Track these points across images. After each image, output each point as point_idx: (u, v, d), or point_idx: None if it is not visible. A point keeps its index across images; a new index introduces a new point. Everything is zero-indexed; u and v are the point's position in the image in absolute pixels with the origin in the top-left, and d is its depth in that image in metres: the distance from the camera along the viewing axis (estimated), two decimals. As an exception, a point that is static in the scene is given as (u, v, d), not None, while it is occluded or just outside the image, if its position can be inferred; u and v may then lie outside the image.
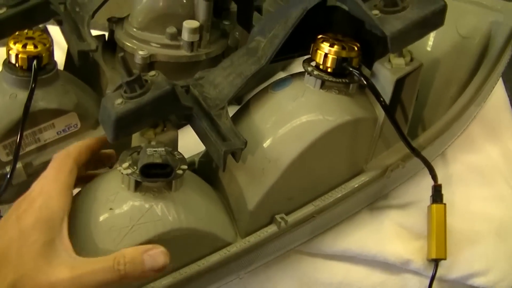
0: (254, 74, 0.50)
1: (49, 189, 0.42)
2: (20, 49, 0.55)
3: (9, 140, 0.56)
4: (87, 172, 0.50)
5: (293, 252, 0.57)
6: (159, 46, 0.64)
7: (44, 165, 0.46)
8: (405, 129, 0.55)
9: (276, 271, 0.57)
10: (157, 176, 0.45)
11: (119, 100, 0.45)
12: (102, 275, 0.38)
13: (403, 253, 0.56)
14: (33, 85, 0.55)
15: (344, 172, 0.54)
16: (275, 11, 0.55)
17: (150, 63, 0.64)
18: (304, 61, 0.53)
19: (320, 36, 0.52)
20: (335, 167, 0.53)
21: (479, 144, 0.66)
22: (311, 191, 0.53)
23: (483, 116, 0.67)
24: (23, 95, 0.55)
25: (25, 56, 0.55)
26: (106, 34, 0.71)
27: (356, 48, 0.51)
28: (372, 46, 0.52)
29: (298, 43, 0.52)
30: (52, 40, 0.59)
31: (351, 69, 0.50)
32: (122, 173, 0.46)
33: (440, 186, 0.55)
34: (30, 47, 0.55)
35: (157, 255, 0.40)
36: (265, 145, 0.50)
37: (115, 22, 0.68)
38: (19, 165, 0.56)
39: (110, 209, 0.46)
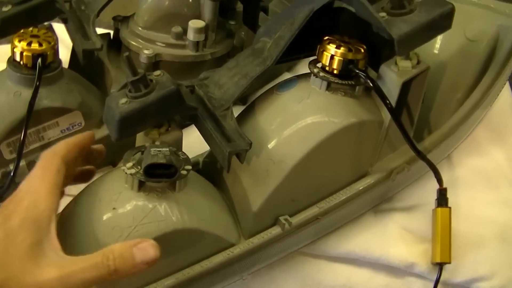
0: (259, 75, 0.50)
1: (36, 188, 0.41)
2: (25, 47, 0.55)
3: (13, 138, 0.56)
4: (77, 169, 0.49)
5: (296, 253, 0.56)
6: (164, 45, 0.64)
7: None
8: (411, 132, 0.55)
9: (280, 272, 0.56)
10: (161, 176, 0.45)
11: (123, 100, 0.45)
12: (91, 272, 0.37)
13: (407, 256, 0.56)
14: (37, 83, 0.55)
15: (349, 174, 0.54)
16: (281, 12, 0.54)
17: (155, 63, 0.64)
18: (310, 63, 0.53)
19: (326, 37, 0.51)
20: (339, 169, 0.53)
21: (484, 148, 0.66)
22: (316, 193, 0.52)
23: (489, 119, 0.67)
24: (27, 93, 0.55)
25: (29, 54, 0.55)
26: (111, 32, 0.70)
27: (362, 50, 0.50)
28: (378, 48, 0.52)
29: (304, 44, 0.52)
30: (57, 38, 0.59)
31: (357, 71, 0.49)
32: (126, 172, 0.45)
33: (445, 189, 0.55)
34: (35, 45, 0.55)
35: (147, 248, 0.39)
36: (270, 146, 0.50)
37: (120, 21, 0.68)
38: (22, 163, 0.56)
39: (114, 208, 0.46)
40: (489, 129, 0.67)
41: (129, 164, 0.46)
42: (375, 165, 0.55)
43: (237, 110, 0.55)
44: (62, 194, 0.48)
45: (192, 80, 0.52)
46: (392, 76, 0.51)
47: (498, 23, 0.59)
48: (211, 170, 0.55)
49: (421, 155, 0.53)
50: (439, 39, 0.60)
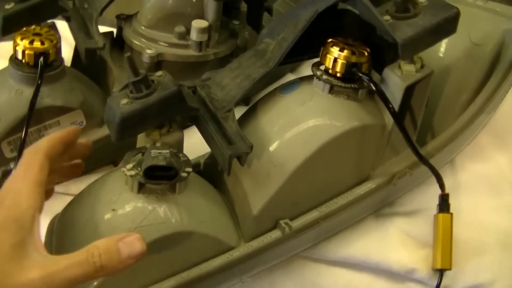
0: (262, 77, 0.50)
1: (18, 187, 0.39)
2: (27, 45, 0.55)
3: (14, 136, 0.56)
4: (64, 165, 0.48)
5: (296, 257, 0.56)
6: (167, 45, 0.64)
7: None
8: (413, 137, 0.55)
9: (279, 275, 0.56)
10: (161, 178, 0.45)
11: (124, 100, 0.45)
12: (76, 270, 0.36)
13: (408, 262, 0.55)
14: (39, 82, 0.55)
15: (351, 178, 0.53)
16: (285, 13, 0.54)
17: (158, 62, 0.63)
18: (313, 65, 0.52)
19: (330, 40, 0.51)
20: (341, 173, 0.52)
21: (488, 153, 0.65)
22: (317, 196, 0.52)
23: (493, 124, 0.66)
24: (29, 92, 0.55)
25: (31, 52, 0.55)
26: (115, 31, 0.70)
27: (366, 53, 0.50)
28: (383, 50, 0.51)
29: (308, 46, 0.52)
30: (59, 37, 0.59)
31: (360, 74, 0.49)
32: (125, 174, 0.45)
33: (447, 195, 0.54)
34: (37, 44, 0.55)
35: (133, 242, 0.38)
36: (271, 149, 0.49)
37: (123, 19, 0.68)
38: (23, 161, 0.56)
39: (113, 210, 0.46)
40: (492, 134, 0.66)
41: (129, 166, 0.45)
42: (377, 169, 0.54)
43: (240, 111, 0.55)
44: (52, 191, 0.47)
45: (194, 80, 0.51)
46: (396, 80, 0.50)
47: (503, 27, 0.58)
48: (212, 171, 0.55)
49: (423, 160, 0.52)
50: (444, 43, 0.60)
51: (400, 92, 0.50)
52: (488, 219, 0.60)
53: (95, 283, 0.44)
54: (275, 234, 0.51)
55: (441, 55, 0.60)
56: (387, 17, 0.48)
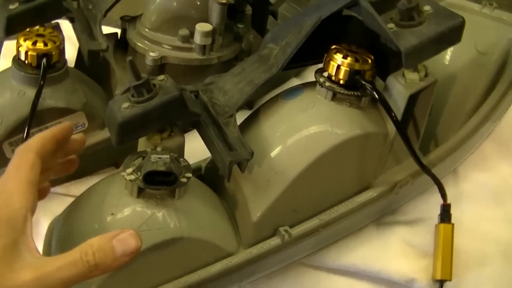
0: (265, 82, 0.50)
1: (9, 187, 0.38)
2: (30, 46, 0.55)
3: (16, 137, 0.56)
4: (57, 162, 0.46)
5: (296, 264, 0.56)
6: (170, 48, 0.64)
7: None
8: (416, 145, 0.54)
9: (278, 282, 0.56)
10: (160, 183, 0.45)
11: (125, 104, 0.45)
12: (69, 270, 0.35)
13: (408, 272, 0.55)
14: (41, 83, 0.54)
15: (352, 186, 0.53)
16: (289, 19, 0.54)
17: (161, 65, 0.63)
18: (316, 71, 0.52)
19: (333, 46, 0.51)
20: (342, 181, 0.52)
21: (492, 163, 0.65)
22: (317, 204, 0.52)
23: (498, 134, 0.65)
24: (31, 93, 0.55)
25: (34, 53, 0.55)
26: (119, 31, 0.70)
27: (370, 61, 0.49)
28: (387, 57, 0.51)
29: (312, 52, 0.52)
30: (63, 38, 0.59)
31: (363, 82, 0.49)
32: (125, 178, 0.45)
33: (449, 205, 0.54)
34: (40, 45, 0.55)
35: (127, 239, 0.37)
36: (272, 155, 0.49)
37: (128, 21, 0.67)
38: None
39: (112, 214, 0.45)
40: (497, 144, 0.66)
41: (129, 170, 0.45)
42: (379, 177, 0.54)
43: (243, 115, 0.55)
44: (48, 189, 0.46)
45: (197, 85, 0.51)
46: (399, 88, 0.50)
47: (509, 36, 0.58)
48: (213, 176, 0.55)
49: (425, 169, 0.52)
50: (449, 51, 0.59)
51: (403, 101, 0.49)
52: (490, 230, 0.59)
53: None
54: (275, 241, 0.50)
55: (446, 63, 0.59)
56: (391, 25, 0.47)
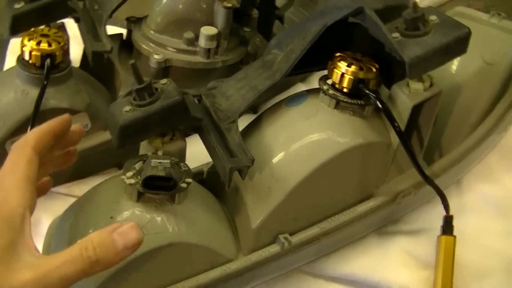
0: (267, 89, 0.49)
1: (6, 185, 0.37)
2: (34, 46, 0.55)
3: (18, 136, 0.56)
4: (55, 154, 0.45)
5: (295, 271, 0.55)
6: (175, 50, 0.63)
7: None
8: (420, 156, 0.54)
9: (277, 289, 0.55)
10: (160, 188, 0.44)
11: (127, 107, 0.44)
12: (70, 267, 0.34)
13: (408, 283, 0.54)
14: (44, 83, 0.54)
15: (353, 195, 0.53)
16: (294, 24, 0.53)
17: (165, 68, 0.63)
18: (320, 79, 0.52)
19: (338, 54, 0.50)
20: (344, 190, 0.52)
21: (496, 175, 0.64)
22: (318, 212, 0.51)
23: (503, 145, 0.65)
24: (35, 92, 0.55)
25: (38, 53, 0.55)
26: (124, 32, 0.70)
27: (374, 70, 0.49)
28: (392, 65, 0.50)
29: (318, 58, 0.51)
30: (68, 38, 0.59)
31: (367, 91, 0.48)
32: (125, 182, 0.45)
33: (451, 217, 0.53)
34: (44, 45, 0.55)
35: (128, 231, 0.36)
36: (274, 163, 0.49)
37: (133, 22, 0.67)
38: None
39: (111, 217, 0.45)
40: (502, 155, 0.65)
41: (129, 174, 0.45)
42: (381, 187, 0.53)
43: (247, 118, 0.54)
44: (48, 185, 0.45)
45: (200, 89, 0.51)
46: (403, 98, 0.49)
47: (517, 47, 0.57)
48: (215, 180, 0.54)
49: (428, 180, 0.51)
50: (456, 60, 0.58)
51: (407, 111, 0.49)
52: (492, 243, 0.58)
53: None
54: (274, 248, 0.50)
55: (453, 72, 0.58)
56: (396, 35, 0.47)
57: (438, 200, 0.54)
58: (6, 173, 0.38)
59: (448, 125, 0.59)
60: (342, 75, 0.49)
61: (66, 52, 0.57)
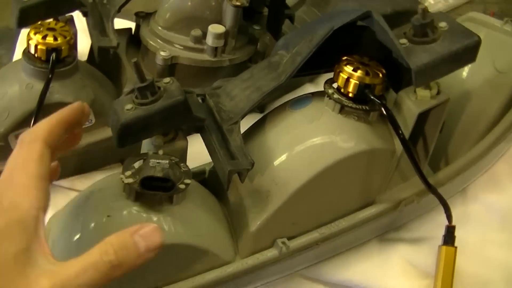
0: (272, 90, 0.49)
1: (16, 184, 0.34)
2: (40, 40, 0.55)
3: (22, 130, 0.56)
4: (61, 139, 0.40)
5: (293, 275, 0.55)
6: (182, 48, 0.63)
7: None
8: (424, 163, 0.53)
9: (275, 293, 0.55)
10: (158, 188, 0.44)
11: (129, 106, 0.44)
12: (90, 273, 0.32)
13: (407, 292, 0.54)
14: (49, 78, 0.54)
15: (355, 202, 0.52)
16: (303, 26, 0.53)
17: (172, 65, 0.62)
18: (326, 82, 0.51)
19: (344, 57, 0.49)
20: (345, 196, 0.51)
21: (503, 184, 0.63)
22: (317, 218, 0.51)
23: (511, 154, 0.64)
24: (39, 86, 0.55)
25: (44, 47, 0.55)
26: (133, 27, 0.69)
27: (380, 75, 0.48)
28: (400, 71, 0.49)
29: (325, 60, 0.50)
30: (75, 32, 0.59)
31: (372, 97, 0.47)
32: (123, 181, 0.44)
33: (453, 227, 0.52)
34: (49, 39, 0.55)
35: (150, 233, 0.34)
36: (275, 166, 0.48)
37: (142, 17, 0.67)
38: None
39: (108, 216, 0.45)
40: (510, 164, 0.64)
41: (128, 173, 0.45)
42: (384, 194, 0.53)
43: (253, 117, 0.54)
44: (57, 168, 0.43)
45: (205, 88, 0.51)
46: (409, 105, 0.48)
47: (530, 55, 0.56)
48: (216, 180, 0.53)
49: (432, 189, 0.50)
50: (467, 67, 0.57)
51: (413, 118, 0.48)
52: (495, 255, 0.57)
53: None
54: (272, 252, 0.50)
55: (463, 79, 0.57)
56: (404, 41, 0.46)
57: (442, 209, 0.54)
58: (16, 170, 0.35)
59: (455, 132, 0.58)
60: (348, 79, 0.48)
61: (72, 46, 0.57)
